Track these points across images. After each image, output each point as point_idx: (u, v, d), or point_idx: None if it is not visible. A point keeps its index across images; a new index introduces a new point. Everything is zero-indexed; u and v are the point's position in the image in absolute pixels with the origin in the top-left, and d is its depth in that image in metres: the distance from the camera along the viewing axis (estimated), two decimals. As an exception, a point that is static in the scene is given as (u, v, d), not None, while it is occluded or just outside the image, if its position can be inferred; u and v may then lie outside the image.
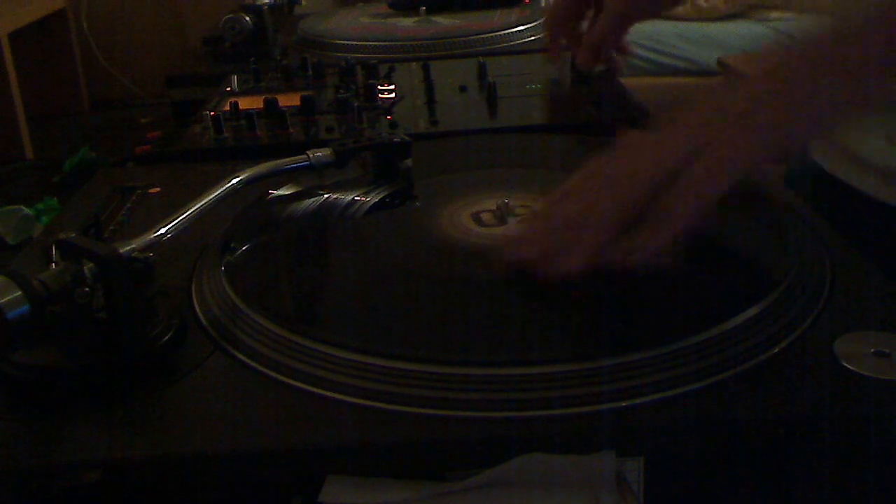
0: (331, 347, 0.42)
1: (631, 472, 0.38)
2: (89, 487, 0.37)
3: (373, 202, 0.60)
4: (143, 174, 0.72)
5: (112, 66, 2.84)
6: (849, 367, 0.41)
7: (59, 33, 2.75)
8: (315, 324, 0.47)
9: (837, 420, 0.39)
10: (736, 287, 0.48)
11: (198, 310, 0.49)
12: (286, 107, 0.83)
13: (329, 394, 0.41)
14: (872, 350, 0.42)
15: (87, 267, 0.42)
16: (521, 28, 1.16)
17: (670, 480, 0.39)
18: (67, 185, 1.81)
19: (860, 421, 0.39)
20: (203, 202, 0.52)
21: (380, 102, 0.86)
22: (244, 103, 0.85)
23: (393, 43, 1.14)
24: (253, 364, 0.44)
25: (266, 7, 1.21)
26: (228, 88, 0.96)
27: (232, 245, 0.54)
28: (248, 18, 1.18)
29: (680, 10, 2.35)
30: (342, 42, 1.16)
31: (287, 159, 0.59)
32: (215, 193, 0.53)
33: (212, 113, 0.81)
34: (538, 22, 1.16)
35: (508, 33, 1.14)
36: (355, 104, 0.82)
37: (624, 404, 0.39)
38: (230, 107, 0.84)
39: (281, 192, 0.62)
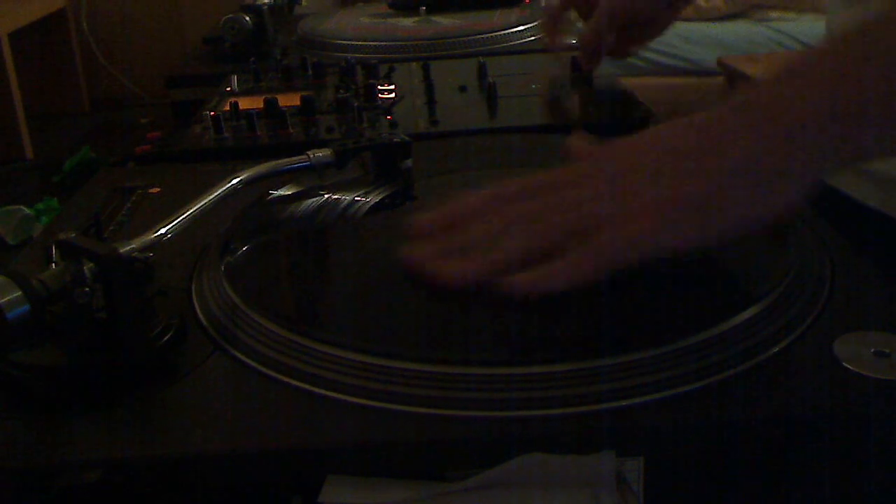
0: (331, 347, 0.42)
1: (631, 472, 0.38)
2: (89, 487, 0.37)
3: (373, 202, 0.60)
4: (143, 174, 0.72)
5: (112, 66, 2.84)
6: (849, 367, 0.41)
7: (59, 33, 2.75)
8: (315, 324, 0.47)
9: (837, 420, 0.39)
10: (736, 287, 0.48)
11: (198, 310, 0.49)
12: (286, 107, 0.83)
13: (329, 394, 0.41)
14: (872, 350, 0.42)
15: (87, 267, 0.42)
16: (521, 28, 1.16)
17: (670, 480, 0.39)
18: (67, 185, 1.81)
19: (860, 421, 0.39)
20: (203, 202, 0.52)
21: (380, 102, 0.86)
22: (244, 103, 0.85)
23: (393, 43, 1.14)
24: (253, 364, 0.44)
25: (266, 7, 1.21)
26: (228, 88, 0.96)
27: (232, 245, 0.54)
28: (248, 18, 1.18)
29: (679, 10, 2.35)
30: (342, 42, 1.16)
31: (287, 159, 0.59)
32: (215, 193, 0.53)
33: (212, 113, 0.81)
34: (538, 22, 1.16)
35: (508, 33, 1.15)
36: (355, 104, 0.82)
37: (624, 404, 0.39)
38: (230, 107, 0.84)
39: (281, 192, 0.62)
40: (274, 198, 0.61)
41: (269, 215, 0.60)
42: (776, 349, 0.42)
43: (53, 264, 0.45)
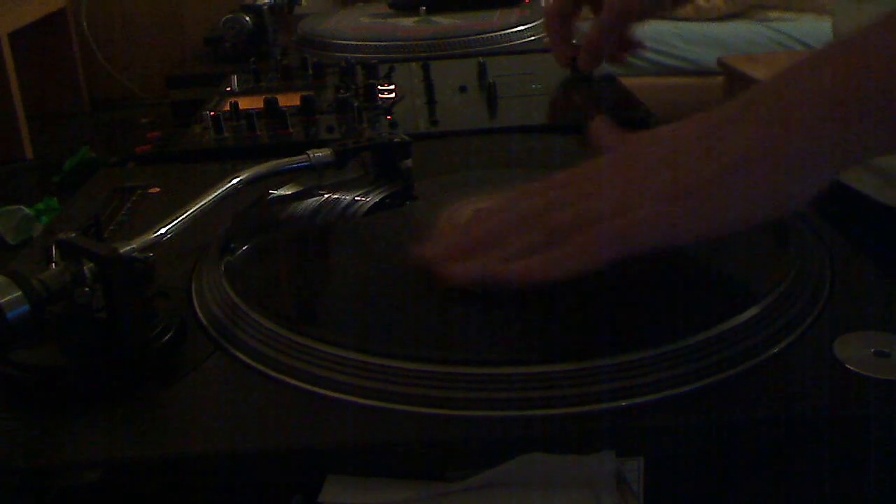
0: (331, 347, 0.42)
1: (631, 472, 0.38)
2: (89, 487, 0.37)
3: (373, 202, 0.60)
4: (143, 174, 0.72)
5: (112, 66, 2.84)
6: (849, 367, 0.41)
7: (59, 33, 2.75)
8: (315, 323, 0.47)
9: (837, 420, 0.39)
10: (736, 287, 0.48)
11: (198, 310, 0.49)
12: (286, 107, 0.83)
13: (329, 393, 0.41)
14: (872, 350, 0.42)
15: (87, 267, 0.42)
16: (521, 28, 1.16)
17: (670, 480, 0.39)
18: (67, 185, 1.81)
19: (860, 421, 0.39)
20: (203, 202, 0.52)
21: (380, 102, 0.86)
22: (244, 103, 0.85)
23: (393, 43, 1.14)
24: (253, 364, 0.44)
25: (266, 7, 1.21)
26: (228, 88, 0.96)
27: (232, 245, 0.54)
28: (248, 18, 1.18)
29: (680, 10, 2.36)
30: (342, 42, 1.16)
31: (287, 159, 0.59)
32: (215, 193, 0.53)
33: (212, 113, 0.81)
34: (538, 22, 1.16)
35: (508, 33, 1.14)
36: (355, 104, 0.82)
37: (624, 404, 0.39)
38: (230, 107, 0.84)
39: (281, 192, 0.62)
40: (274, 198, 0.61)
41: (269, 215, 0.60)
42: (776, 349, 0.42)
43: (53, 264, 0.45)
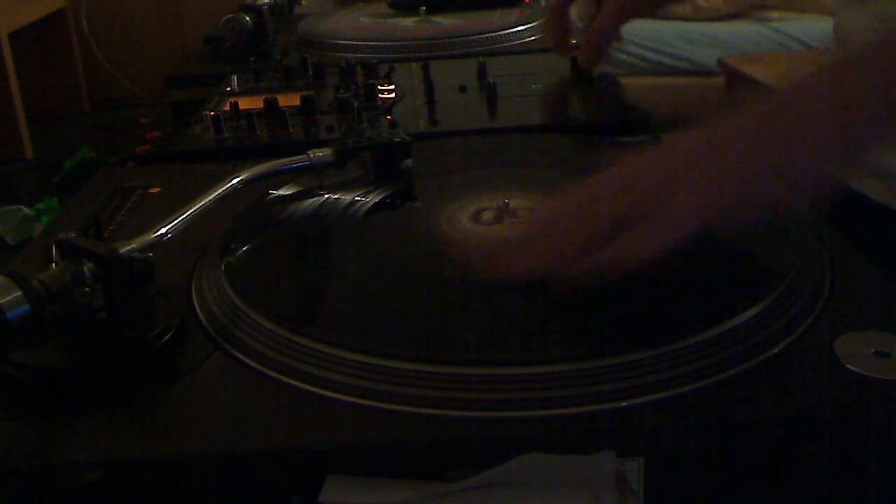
0: (331, 347, 0.42)
1: (631, 472, 0.38)
2: (89, 487, 0.37)
3: (373, 202, 0.60)
4: (143, 174, 0.72)
5: (112, 66, 2.83)
6: (849, 367, 0.41)
7: (59, 33, 2.75)
8: (315, 324, 0.47)
9: (837, 420, 0.39)
10: (736, 287, 0.48)
11: (198, 310, 0.49)
12: (286, 107, 0.83)
13: (329, 394, 0.41)
14: (872, 350, 0.42)
15: (87, 267, 0.42)
16: (521, 28, 1.16)
17: (670, 480, 0.39)
18: (67, 185, 1.81)
19: (860, 421, 0.39)
20: (203, 202, 0.52)
21: (380, 102, 0.86)
22: (244, 103, 0.85)
23: (393, 43, 1.14)
24: (253, 364, 0.44)
25: (266, 7, 1.21)
26: (228, 88, 0.96)
27: (232, 245, 0.54)
28: (248, 18, 1.18)
29: (680, 10, 2.35)
30: (342, 42, 1.16)
31: (287, 159, 0.59)
32: (215, 193, 0.53)
33: (212, 113, 0.81)
34: (538, 22, 1.16)
35: (508, 33, 1.14)
36: (355, 104, 0.82)
37: (624, 404, 0.39)
38: (230, 107, 0.84)
39: (281, 192, 0.62)
40: (274, 198, 0.61)
41: (269, 215, 0.60)
42: (776, 349, 0.42)
43: (53, 264, 0.45)
